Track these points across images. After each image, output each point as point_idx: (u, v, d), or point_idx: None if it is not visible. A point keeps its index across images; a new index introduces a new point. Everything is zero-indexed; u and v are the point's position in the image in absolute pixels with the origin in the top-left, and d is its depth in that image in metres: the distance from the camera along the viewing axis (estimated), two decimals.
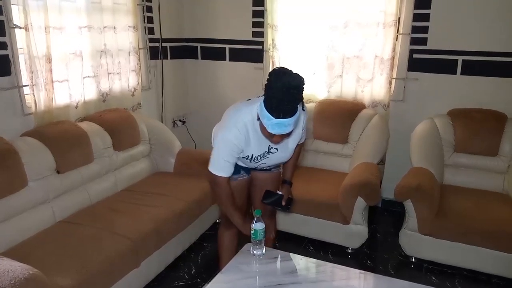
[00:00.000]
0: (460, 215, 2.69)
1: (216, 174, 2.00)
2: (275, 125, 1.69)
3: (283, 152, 2.08)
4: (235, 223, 2.15)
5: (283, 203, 2.22)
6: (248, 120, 1.91)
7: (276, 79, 1.66)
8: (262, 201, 2.23)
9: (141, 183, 3.16)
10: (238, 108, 1.97)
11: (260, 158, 2.04)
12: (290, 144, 2.08)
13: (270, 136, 1.80)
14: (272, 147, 2.01)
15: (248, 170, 2.25)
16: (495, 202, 2.86)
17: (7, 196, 2.29)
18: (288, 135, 1.81)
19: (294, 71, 1.72)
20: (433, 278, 2.75)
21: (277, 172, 2.33)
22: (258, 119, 1.80)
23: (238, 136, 1.91)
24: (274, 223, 2.55)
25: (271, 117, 1.68)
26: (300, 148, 2.26)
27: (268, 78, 1.70)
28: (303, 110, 1.99)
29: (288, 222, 3.06)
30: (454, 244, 2.67)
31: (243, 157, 2.03)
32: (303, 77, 1.70)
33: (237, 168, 2.17)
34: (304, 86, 1.69)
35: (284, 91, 1.63)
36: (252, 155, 2.01)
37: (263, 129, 1.80)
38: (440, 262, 2.79)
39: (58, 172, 2.60)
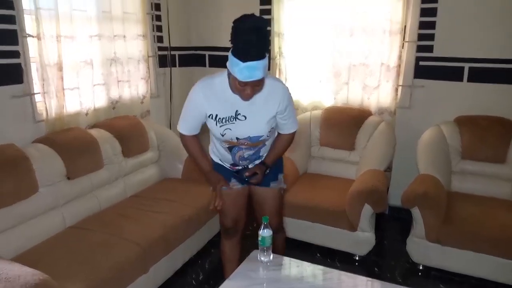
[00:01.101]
0: (467, 222, 2.69)
1: (178, 129, 2.08)
2: (244, 68, 1.68)
3: (252, 124, 1.96)
4: (202, 170, 2.15)
5: (246, 174, 2.10)
6: (216, 80, 1.92)
7: (240, 23, 1.67)
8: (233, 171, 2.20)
9: (149, 189, 3.19)
10: (213, 73, 1.97)
11: (226, 122, 1.95)
12: (263, 117, 1.96)
13: (241, 90, 1.77)
14: (239, 113, 1.94)
15: (241, 180, 2.20)
16: (503, 210, 2.84)
17: (18, 202, 2.33)
18: (258, 85, 1.78)
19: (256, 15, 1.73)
20: (441, 286, 2.74)
21: (277, 189, 2.26)
22: (229, 74, 1.80)
23: (198, 94, 1.93)
24: (283, 236, 2.51)
25: (239, 61, 1.67)
26: (291, 137, 2.16)
27: (232, 26, 1.69)
28: (281, 84, 1.97)
29: (295, 229, 3.06)
30: (462, 251, 2.66)
31: (209, 117, 1.97)
32: (266, 20, 1.72)
33: (228, 175, 2.17)
34: (268, 28, 1.67)
35: (248, 33, 1.64)
36: (217, 115, 1.95)
37: (233, 82, 1.79)
38: (448, 269, 2.78)
39: (68, 178, 2.64)
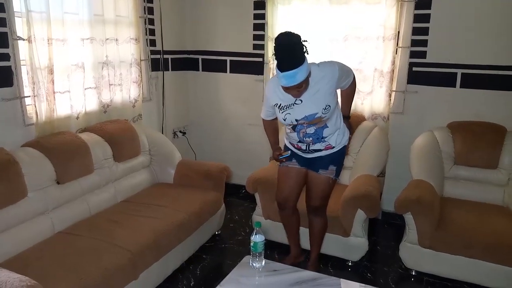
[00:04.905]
0: (460, 228, 2.69)
1: (261, 115, 2.59)
2: (282, 77, 2.07)
3: (307, 105, 2.28)
4: (270, 143, 2.66)
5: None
6: (276, 80, 2.28)
7: (275, 41, 2.06)
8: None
9: (140, 194, 3.15)
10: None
11: (286, 108, 2.34)
12: (317, 97, 2.26)
13: (287, 91, 2.18)
14: (296, 100, 2.28)
15: (301, 160, 2.55)
16: (495, 215, 2.85)
17: (7, 207, 2.29)
18: (300, 87, 2.12)
19: (291, 31, 2.08)
20: None
21: (325, 176, 2.53)
22: None
23: (269, 88, 2.40)
24: (322, 221, 2.73)
25: (279, 71, 2.06)
26: (351, 87, 2.52)
27: None
28: (327, 67, 2.29)
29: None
30: (455, 257, 2.66)
31: (274, 106, 2.39)
32: (297, 35, 2.04)
33: (291, 155, 2.56)
34: (301, 42, 2.04)
35: (279, 49, 2.03)
36: (280, 104, 2.35)
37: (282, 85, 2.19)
38: (441, 275, 2.78)
39: (58, 182, 2.60)
